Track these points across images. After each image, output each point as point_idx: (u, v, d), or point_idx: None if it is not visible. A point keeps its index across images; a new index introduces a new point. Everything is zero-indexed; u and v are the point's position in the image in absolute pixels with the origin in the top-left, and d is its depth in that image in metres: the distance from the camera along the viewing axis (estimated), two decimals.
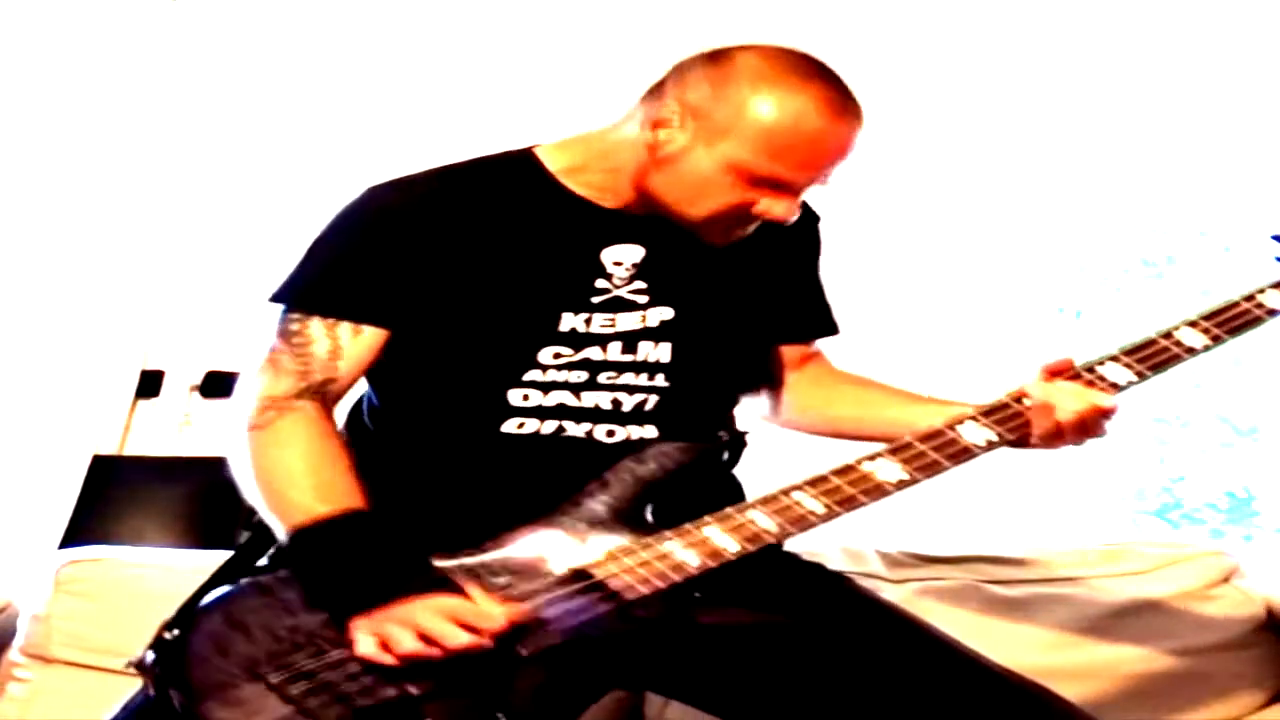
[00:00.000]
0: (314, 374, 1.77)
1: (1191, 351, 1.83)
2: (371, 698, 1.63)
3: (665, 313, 1.84)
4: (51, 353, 3.34)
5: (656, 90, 1.82)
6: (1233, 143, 3.47)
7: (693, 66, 1.80)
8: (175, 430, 3.44)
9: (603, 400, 1.80)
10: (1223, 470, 3.70)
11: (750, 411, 2.03)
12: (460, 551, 1.71)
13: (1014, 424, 1.79)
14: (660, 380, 1.82)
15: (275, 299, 1.82)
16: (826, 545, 2.30)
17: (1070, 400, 1.80)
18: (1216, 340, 1.85)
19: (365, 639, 1.62)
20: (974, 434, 1.77)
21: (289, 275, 1.83)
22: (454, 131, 3.19)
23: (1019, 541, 2.64)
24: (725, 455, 1.82)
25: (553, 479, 1.75)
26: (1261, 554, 3.04)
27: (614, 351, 1.81)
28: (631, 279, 1.83)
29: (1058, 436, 1.80)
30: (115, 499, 3.22)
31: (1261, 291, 1.89)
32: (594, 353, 1.80)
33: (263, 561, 1.77)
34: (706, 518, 1.71)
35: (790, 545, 1.87)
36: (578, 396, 1.79)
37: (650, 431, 1.81)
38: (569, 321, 1.80)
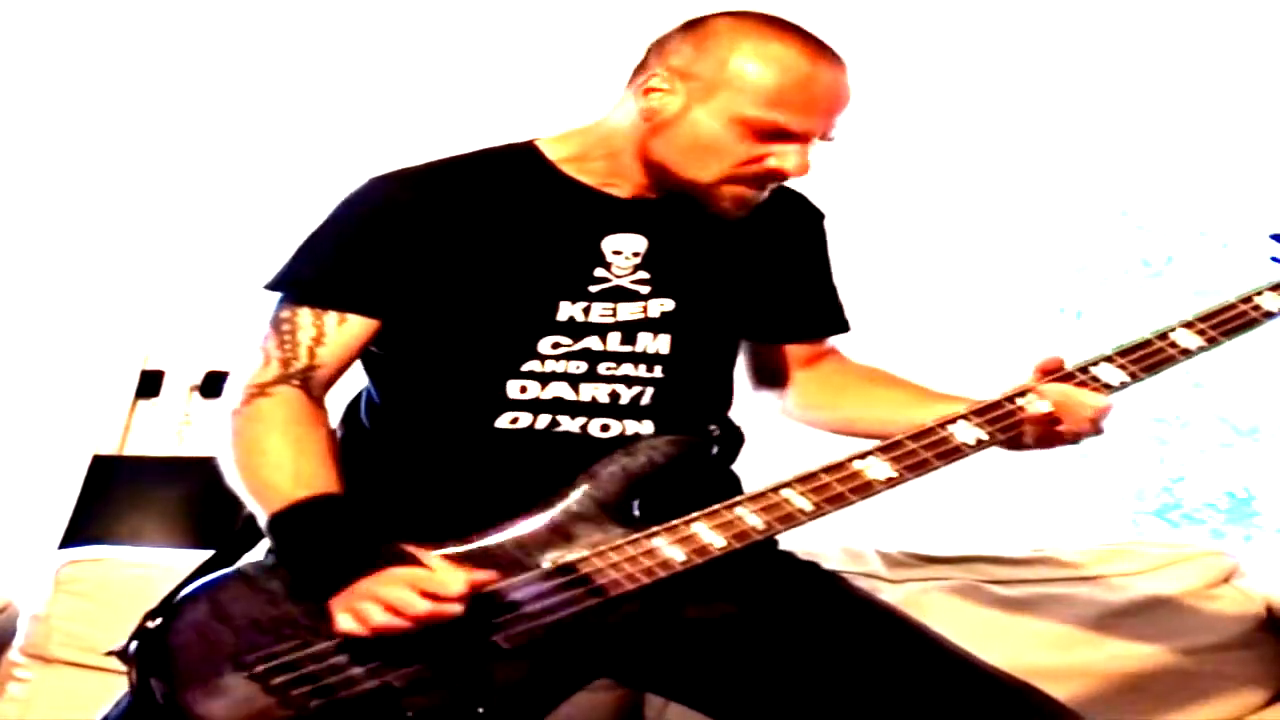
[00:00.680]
0: (297, 360, 1.78)
1: (1187, 353, 1.83)
2: (353, 689, 1.64)
3: (666, 304, 1.84)
4: (51, 353, 3.34)
5: (640, 69, 1.83)
6: (1232, 143, 3.48)
7: (671, 37, 1.82)
8: (175, 430, 3.44)
9: (601, 393, 1.80)
10: (1223, 470, 3.69)
11: (766, 408, 2.03)
12: (445, 543, 1.71)
13: (1006, 424, 1.78)
14: (658, 372, 1.82)
15: (269, 287, 1.84)
16: (826, 545, 2.31)
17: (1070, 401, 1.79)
18: (1212, 342, 1.84)
19: (342, 616, 1.63)
20: (965, 433, 1.77)
21: (284, 265, 1.85)
22: (453, 130, 3.18)
23: (1019, 541, 2.64)
24: (716, 450, 1.82)
25: (546, 475, 1.75)
26: (1261, 554, 3.05)
27: (613, 342, 1.81)
28: (635, 269, 1.83)
29: (1054, 437, 1.80)
30: (115, 499, 3.22)
31: (1259, 293, 1.88)
32: (593, 343, 1.80)
33: (259, 555, 1.77)
34: (694, 514, 1.71)
35: (789, 544, 1.88)
36: (576, 390, 1.79)
37: (646, 427, 1.80)
38: (567, 310, 1.80)
